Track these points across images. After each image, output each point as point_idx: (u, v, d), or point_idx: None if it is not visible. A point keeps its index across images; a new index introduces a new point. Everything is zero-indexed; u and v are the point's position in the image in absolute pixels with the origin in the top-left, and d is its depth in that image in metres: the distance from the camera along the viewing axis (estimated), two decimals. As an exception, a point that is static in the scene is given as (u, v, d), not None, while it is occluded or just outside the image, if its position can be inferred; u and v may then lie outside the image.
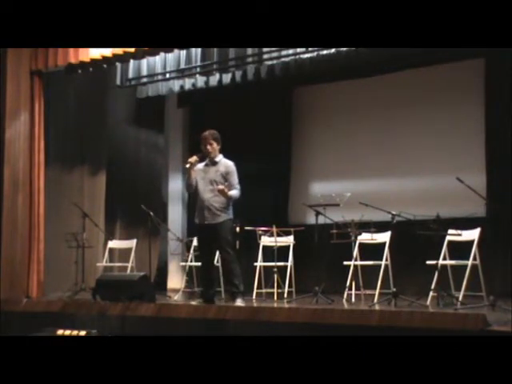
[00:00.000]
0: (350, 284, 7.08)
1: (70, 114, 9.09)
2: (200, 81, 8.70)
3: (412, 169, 8.90)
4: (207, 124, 7.23)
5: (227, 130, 6.87)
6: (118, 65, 8.69)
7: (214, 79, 8.55)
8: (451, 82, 8.62)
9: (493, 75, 8.29)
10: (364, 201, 6.56)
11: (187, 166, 6.66)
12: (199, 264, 7.98)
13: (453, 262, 6.66)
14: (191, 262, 8.45)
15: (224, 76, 8.47)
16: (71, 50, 7.62)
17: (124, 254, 8.89)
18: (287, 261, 7.77)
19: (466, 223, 6.66)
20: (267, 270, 7.82)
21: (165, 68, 8.65)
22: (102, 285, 7.07)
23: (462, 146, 8.54)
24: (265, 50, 7.81)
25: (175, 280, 10.11)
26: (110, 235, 9.05)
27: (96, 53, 7.53)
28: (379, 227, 7.07)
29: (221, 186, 6.49)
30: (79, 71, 8.03)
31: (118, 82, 9.06)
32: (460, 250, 6.67)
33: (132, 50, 7.40)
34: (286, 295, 7.61)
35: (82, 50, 7.59)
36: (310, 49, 7.55)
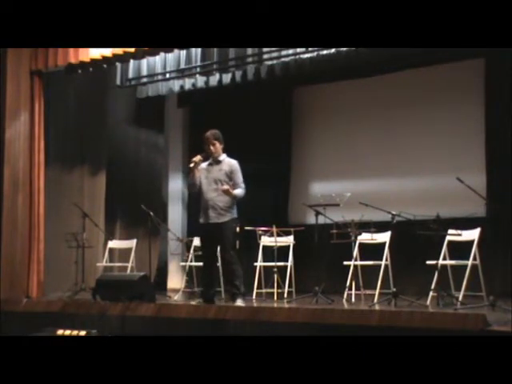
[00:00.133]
0: (350, 284, 7.08)
1: (70, 114, 9.09)
2: (200, 81, 8.70)
3: (412, 169, 8.90)
4: (207, 124, 7.23)
5: (227, 130, 6.87)
6: (118, 65, 8.69)
7: (214, 79, 8.55)
8: (451, 82, 8.62)
9: (493, 75, 8.29)
10: (364, 201, 6.56)
11: (191, 165, 6.64)
12: (199, 264, 8.01)
13: (453, 262, 6.67)
14: (191, 262, 8.45)
15: (224, 76, 8.47)
16: (71, 50, 7.62)
17: (124, 253, 8.90)
18: (287, 261, 7.77)
19: (465, 223, 6.66)
20: (267, 270, 7.82)
21: (165, 68, 8.65)
22: (102, 285, 7.07)
23: (462, 145, 8.54)
24: (265, 50, 7.81)
25: (175, 280, 10.11)
26: (110, 235, 9.05)
27: (96, 53, 7.53)
28: (379, 227, 7.07)
29: (225, 186, 6.48)
30: (79, 71, 8.04)
31: (118, 82, 9.06)
32: (460, 250, 6.67)
33: (132, 50, 7.40)
34: (286, 295, 7.61)
35: (81, 50, 7.59)
36: (309, 49, 7.55)
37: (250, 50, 7.90)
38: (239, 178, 6.63)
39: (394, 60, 7.98)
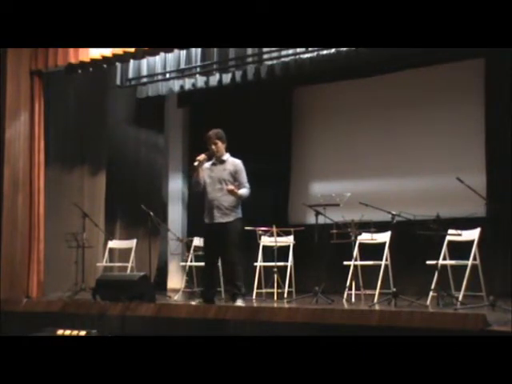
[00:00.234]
0: (350, 284, 7.08)
1: (70, 114, 9.09)
2: (200, 81, 8.70)
3: (412, 169, 8.90)
4: (207, 124, 7.23)
5: (227, 130, 6.86)
6: (118, 65, 8.69)
7: (214, 79, 8.55)
8: (451, 82, 8.62)
9: (493, 75, 8.29)
10: (364, 201, 6.56)
11: (195, 163, 6.61)
12: (199, 264, 8.01)
13: (453, 262, 6.67)
14: (191, 261, 8.45)
15: (224, 76, 8.47)
16: (71, 50, 7.62)
17: (124, 254, 8.90)
18: (287, 261, 7.77)
19: (466, 223, 6.66)
20: (267, 270, 7.82)
21: (165, 68, 8.65)
22: (102, 285, 7.07)
23: (462, 145, 8.54)
24: (265, 50, 7.81)
25: (175, 280, 10.12)
26: (110, 235, 9.05)
27: (96, 53, 7.53)
28: (379, 227, 7.07)
29: (230, 186, 6.47)
30: (79, 71, 8.04)
31: (118, 82, 9.06)
32: (460, 250, 6.67)
33: (132, 50, 7.40)
34: (286, 295, 7.61)
35: (82, 50, 7.59)
36: (309, 49, 7.55)
37: (250, 50, 7.90)
38: (244, 177, 6.62)
39: (393, 60, 7.98)
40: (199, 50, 8.26)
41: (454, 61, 8.28)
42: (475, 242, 6.48)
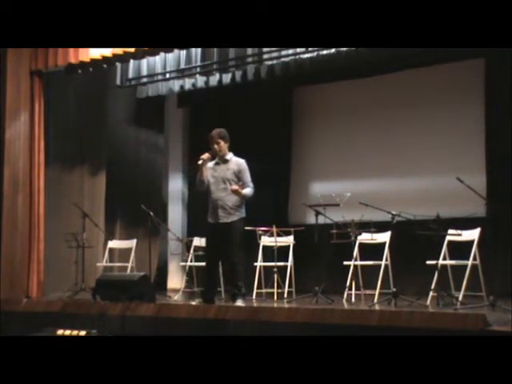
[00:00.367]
0: (350, 284, 7.08)
1: (70, 114, 9.09)
2: (200, 81, 8.70)
3: (412, 169, 8.90)
4: (207, 124, 7.23)
5: (227, 130, 6.86)
6: (118, 65, 8.69)
7: (214, 79, 8.55)
8: (451, 82, 8.62)
9: (493, 75, 8.29)
10: (364, 201, 6.56)
11: (199, 162, 6.59)
12: (199, 264, 8.01)
13: (453, 262, 6.67)
14: (191, 261, 8.45)
15: (224, 76, 8.47)
16: (71, 50, 7.62)
17: (124, 254, 8.90)
18: (287, 261, 7.77)
19: (465, 223, 6.66)
20: (267, 270, 7.82)
21: (165, 68, 8.65)
22: (102, 285, 7.07)
23: (462, 146, 8.54)
24: (265, 50, 7.81)
25: (175, 280, 10.11)
26: (110, 235, 9.05)
27: (96, 53, 7.53)
28: (379, 227, 7.07)
29: (234, 186, 6.46)
30: (79, 71, 8.04)
31: (118, 82, 9.06)
32: (460, 250, 6.67)
33: (132, 50, 7.40)
34: (286, 295, 7.61)
35: (82, 50, 7.59)
36: (309, 49, 7.55)
37: (250, 50, 7.90)
38: (247, 177, 6.61)
39: (393, 60, 7.98)
40: (199, 50, 8.26)
41: (454, 61, 8.28)
42: (475, 242, 6.48)
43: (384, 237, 7.16)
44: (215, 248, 6.66)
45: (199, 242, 8.32)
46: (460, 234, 6.54)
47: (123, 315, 6.46)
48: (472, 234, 6.57)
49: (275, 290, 7.45)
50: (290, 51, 7.73)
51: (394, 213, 6.45)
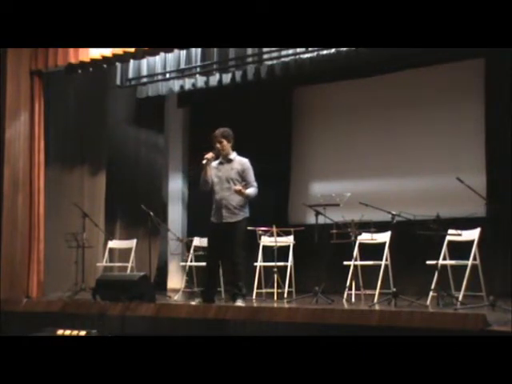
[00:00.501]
0: (350, 284, 7.08)
1: (70, 114, 9.09)
2: (200, 81, 8.70)
3: (412, 169, 8.90)
4: (207, 124, 7.25)
5: (227, 130, 6.87)
6: (118, 65, 8.70)
7: (214, 79, 8.55)
8: (451, 82, 8.62)
9: (493, 75, 8.29)
10: (364, 201, 6.56)
11: (204, 161, 6.56)
12: (199, 264, 8.01)
13: (453, 262, 6.67)
14: (191, 262, 8.45)
15: (224, 76, 8.47)
16: (71, 50, 7.62)
17: (124, 254, 8.90)
18: (287, 261, 7.77)
19: (465, 223, 6.66)
20: (267, 270, 7.82)
21: (165, 68, 8.65)
22: (102, 285, 7.07)
23: (462, 146, 8.54)
24: (265, 50, 7.81)
25: (175, 280, 10.12)
26: (110, 235, 9.05)
27: (96, 53, 7.53)
28: (379, 227, 7.07)
29: (238, 187, 6.45)
30: (79, 71, 8.04)
31: (118, 82, 9.06)
32: (460, 250, 6.67)
33: (132, 50, 7.40)
34: (286, 295, 7.60)
35: (82, 50, 7.60)
36: (309, 49, 7.55)
37: (250, 50, 7.91)
38: (251, 176, 6.60)
39: (393, 60, 7.98)
40: (199, 50, 8.26)
41: (454, 61, 8.28)
42: (475, 242, 6.48)
43: (384, 237, 7.16)
44: (217, 248, 6.65)
45: (199, 241, 8.33)
46: (460, 234, 6.54)
47: (123, 315, 6.46)
48: (472, 234, 6.57)
49: (275, 290, 7.45)
50: (290, 51, 7.74)
51: (393, 213, 6.45)
